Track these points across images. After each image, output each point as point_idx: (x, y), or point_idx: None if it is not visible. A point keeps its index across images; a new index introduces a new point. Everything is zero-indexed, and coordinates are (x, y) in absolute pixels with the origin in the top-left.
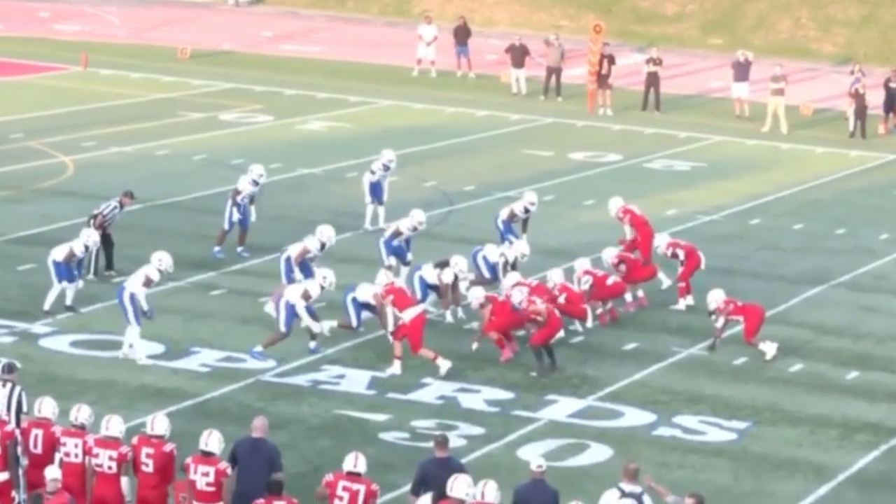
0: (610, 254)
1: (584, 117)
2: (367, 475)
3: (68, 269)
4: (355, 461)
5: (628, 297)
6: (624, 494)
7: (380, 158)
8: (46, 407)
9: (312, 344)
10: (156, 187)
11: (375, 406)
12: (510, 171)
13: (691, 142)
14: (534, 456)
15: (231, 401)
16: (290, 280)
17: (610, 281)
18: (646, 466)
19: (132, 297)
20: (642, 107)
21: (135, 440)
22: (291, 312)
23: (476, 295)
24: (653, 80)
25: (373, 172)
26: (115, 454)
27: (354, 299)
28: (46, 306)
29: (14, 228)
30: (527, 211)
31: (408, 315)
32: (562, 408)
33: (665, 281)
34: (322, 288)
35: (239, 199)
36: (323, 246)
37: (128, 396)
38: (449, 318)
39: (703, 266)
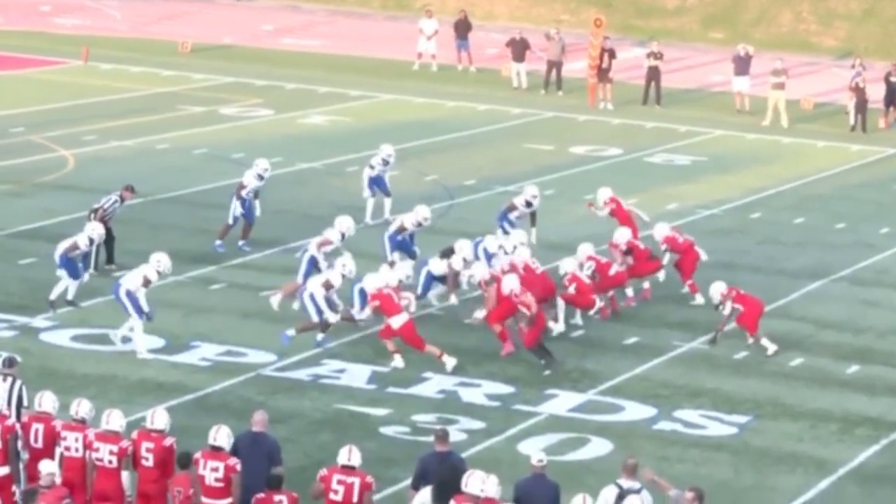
0: (623, 237)
1: (584, 111)
2: (369, 469)
3: (72, 265)
4: (349, 454)
5: (629, 291)
6: (622, 491)
7: (378, 153)
8: (47, 401)
9: (320, 336)
10: (156, 181)
11: (376, 400)
12: (511, 166)
13: (692, 136)
14: (534, 450)
15: (231, 395)
16: (308, 277)
17: (612, 270)
18: (646, 461)
19: (128, 294)
20: (643, 101)
21: (135, 434)
22: (314, 303)
23: (481, 272)
24: (653, 75)
25: (372, 167)
26: (115, 448)
27: (362, 290)
28: (52, 296)
29: (15, 222)
30: (529, 205)
31: (396, 322)
32: (562, 402)
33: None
34: (343, 276)
35: (244, 193)
36: (343, 236)
37: (128, 391)
38: (454, 299)
39: (704, 258)
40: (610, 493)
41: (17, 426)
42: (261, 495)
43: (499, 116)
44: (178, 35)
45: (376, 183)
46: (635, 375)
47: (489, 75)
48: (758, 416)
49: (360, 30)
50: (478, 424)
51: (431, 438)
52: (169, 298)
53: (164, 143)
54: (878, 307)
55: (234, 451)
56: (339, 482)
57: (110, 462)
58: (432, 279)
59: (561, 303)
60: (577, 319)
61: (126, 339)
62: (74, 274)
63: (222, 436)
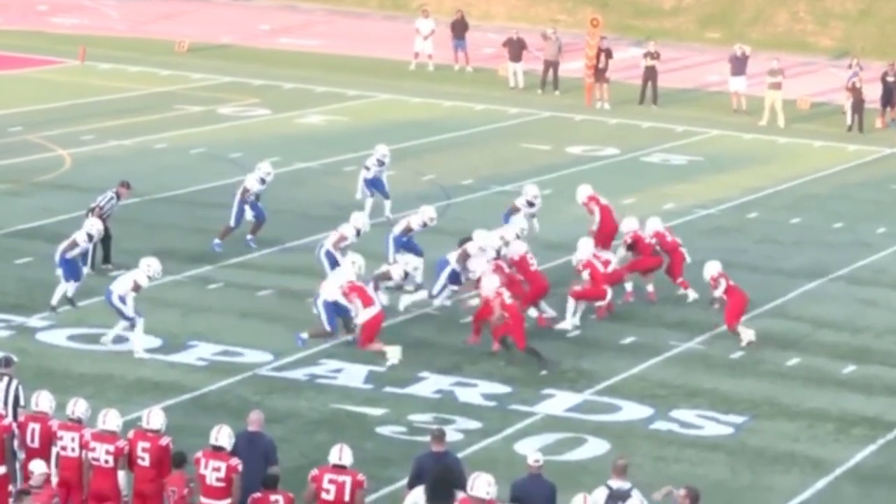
0: (630, 226)
1: (581, 111)
2: (365, 469)
3: (71, 266)
4: (340, 453)
5: (629, 286)
6: (612, 492)
7: (374, 154)
8: (43, 401)
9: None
10: (154, 181)
11: (373, 400)
12: (508, 165)
13: (688, 136)
14: (531, 450)
15: (228, 394)
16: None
17: (609, 268)
18: (643, 461)
19: (121, 299)
20: (640, 101)
21: (131, 434)
22: (330, 309)
23: (481, 267)
24: (650, 74)
25: (367, 168)
26: (111, 448)
27: (326, 303)
28: (53, 301)
29: (12, 222)
30: (531, 205)
31: (365, 314)
32: (559, 402)
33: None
34: (357, 275)
35: (248, 196)
36: (358, 232)
37: (125, 390)
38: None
39: (688, 260)
40: (600, 494)
41: (14, 426)
42: (257, 495)
43: (496, 116)
44: (176, 34)
45: (374, 184)
46: (632, 375)
47: (486, 75)
48: (754, 416)
49: (357, 29)
50: (474, 424)
51: (428, 438)
52: (166, 298)
53: (161, 142)
54: (875, 307)
55: (231, 451)
56: (331, 481)
57: (107, 462)
58: (457, 276)
59: (571, 301)
60: (576, 320)
61: (119, 339)
62: (75, 275)
63: (224, 436)
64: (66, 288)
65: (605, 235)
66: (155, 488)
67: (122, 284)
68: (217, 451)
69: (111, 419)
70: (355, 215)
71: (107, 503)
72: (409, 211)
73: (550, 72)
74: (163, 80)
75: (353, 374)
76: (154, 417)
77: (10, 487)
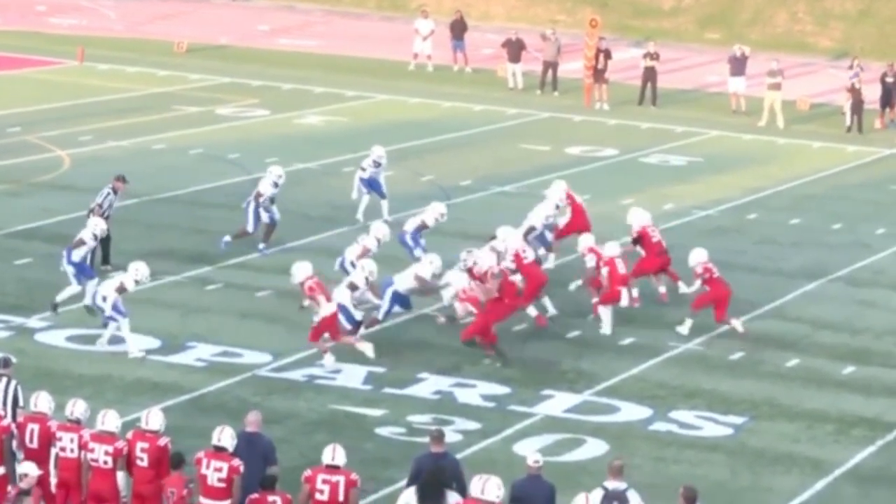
0: (639, 220)
1: (580, 112)
2: (365, 470)
3: (82, 267)
4: (333, 453)
5: (635, 292)
6: (608, 493)
7: (370, 155)
8: (42, 402)
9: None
10: (152, 181)
11: (372, 401)
12: (507, 166)
13: (688, 136)
14: (530, 451)
15: (227, 395)
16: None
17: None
18: (642, 462)
19: (103, 298)
20: (639, 101)
21: (129, 435)
22: (346, 311)
23: (487, 262)
24: (649, 75)
25: (363, 169)
26: (110, 449)
27: (395, 291)
28: (58, 298)
29: (11, 222)
30: (557, 207)
31: (324, 310)
32: (558, 403)
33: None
34: (367, 280)
35: (261, 200)
36: (379, 242)
37: (123, 391)
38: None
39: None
40: (596, 495)
41: (13, 426)
42: (255, 496)
43: (495, 117)
44: (174, 35)
45: (370, 185)
46: (631, 376)
47: (485, 76)
48: (754, 417)
49: (355, 30)
50: (473, 425)
51: (427, 439)
52: (165, 298)
53: (160, 143)
54: (874, 308)
55: (232, 452)
56: (324, 481)
57: (105, 462)
58: (399, 297)
59: (601, 310)
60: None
61: (115, 340)
62: (88, 275)
63: (226, 437)
64: (77, 290)
65: (579, 228)
66: (153, 489)
67: (108, 286)
68: (219, 451)
69: (110, 420)
70: (376, 225)
71: None
72: (409, 211)
73: (549, 72)
74: (161, 81)
75: (352, 375)
76: (153, 418)
77: (9, 488)
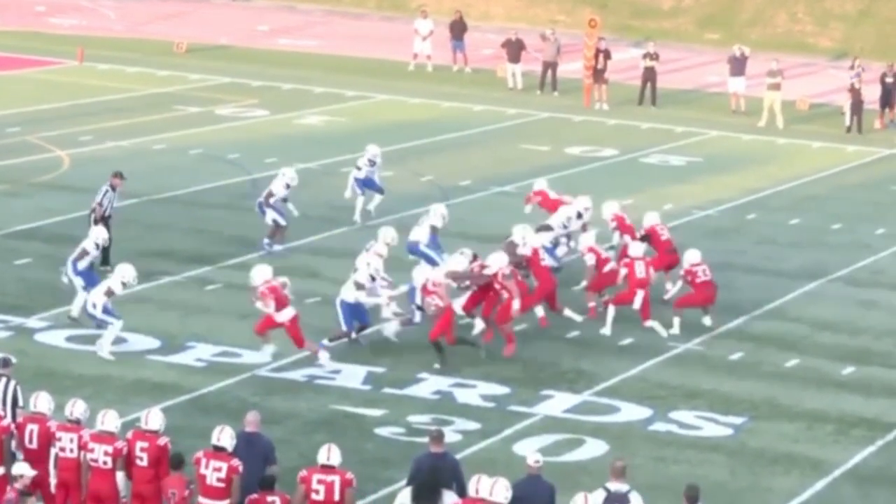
0: (651, 220)
1: (580, 112)
2: (364, 470)
3: (88, 275)
4: (328, 453)
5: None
6: (610, 494)
7: (365, 154)
8: (42, 402)
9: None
10: (152, 181)
11: (371, 401)
12: (507, 166)
13: (687, 136)
14: (530, 451)
15: (227, 395)
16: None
17: (607, 267)
18: (642, 462)
19: (93, 305)
20: (638, 101)
21: (129, 434)
22: (347, 310)
23: (499, 263)
24: (649, 75)
25: (359, 168)
26: (110, 449)
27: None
28: (74, 314)
29: (11, 223)
30: (579, 216)
31: (283, 316)
32: (558, 403)
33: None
34: (372, 277)
35: (272, 200)
36: (388, 247)
37: (123, 391)
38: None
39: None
40: (598, 496)
41: (13, 427)
42: (254, 496)
43: (494, 117)
44: (174, 35)
45: (366, 184)
46: (631, 376)
47: (485, 76)
48: (754, 417)
49: (355, 30)
50: (473, 425)
51: (427, 439)
52: (165, 299)
53: (160, 143)
54: (874, 308)
55: (231, 452)
56: (320, 482)
57: (105, 463)
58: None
59: (611, 309)
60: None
61: (117, 340)
62: (95, 283)
63: (226, 436)
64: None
65: (616, 217)
66: (153, 489)
67: (96, 292)
68: (218, 451)
69: (110, 420)
70: (383, 231)
71: None
72: (408, 212)
73: (549, 72)
74: (161, 81)
75: (352, 375)
76: (153, 418)
77: (9, 489)
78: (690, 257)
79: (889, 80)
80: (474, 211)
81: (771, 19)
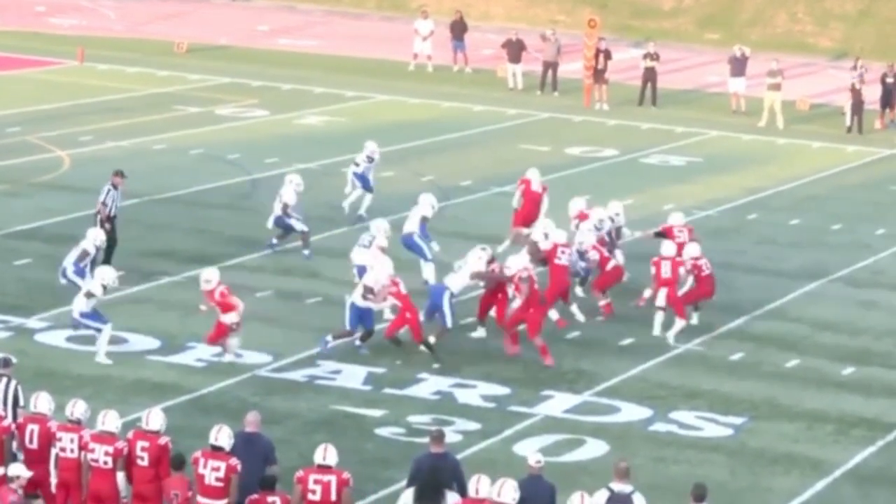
0: (678, 220)
1: (580, 112)
2: (364, 470)
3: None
4: (325, 453)
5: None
6: (613, 494)
7: (363, 150)
8: (42, 402)
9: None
10: (152, 182)
11: (371, 401)
12: (507, 166)
13: (688, 136)
14: (531, 451)
15: (227, 395)
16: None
17: (610, 265)
18: (642, 462)
19: (83, 315)
20: (639, 102)
21: (130, 434)
22: (354, 311)
23: (518, 265)
24: (650, 75)
25: (357, 164)
26: (110, 449)
27: (452, 295)
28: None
29: (11, 223)
30: (611, 221)
31: (229, 318)
32: (558, 403)
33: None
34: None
35: (290, 211)
36: (388, 238)
37: (123, 391)
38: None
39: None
40: (601, 496)
41: (13, 427)
42: (255, 496)
43: (495, 117)
44: (174, 35)
45: (360, 179)
46: (631, 376)
47: (485, 76)
48: (754, 417)
49: (355, 30)
50: (473, 426)
51: (427, 440)
52: (165, 299)
53: (160, 143)
54: (874, 308)
55: (229, 452)
56: (316, 482)
57: (105, 463)
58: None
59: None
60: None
61: (115, 340)
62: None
63: (224, 436)
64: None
65: (525, 218)
66: (154, 489)
67: (78, 299)
68: (216, 450)
69: (110, 420)
70: (376, 223)
71: None
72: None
73: (549, 73)
74: (161, 81)
75: (352, 376)
76: (153, 418)
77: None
78: (691, 251)
79: (889, 80)
80: (475, 211)
81: (771, 19)
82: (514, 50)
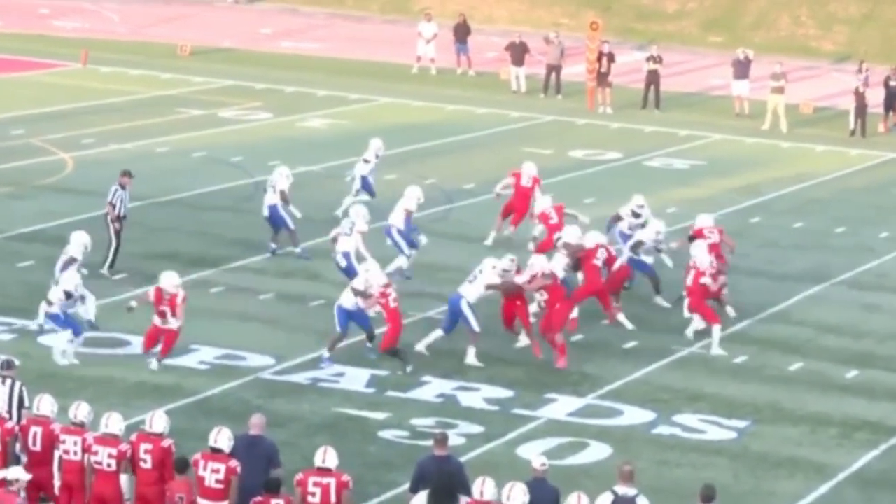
0: (707, 221)
1: (583, 115)
2: (367, 473)
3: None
4: (324, 456)
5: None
6: (617, 497)
7: (370, 148)
8: (45, 404)
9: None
10: (155, 184)
11: (375, 404)
12: (510, 169)
13: (691, 140)
14: (535, 454)
15: (231, 398)
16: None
17: (616, 265)
18: (645, 465)
19: (56, 317)
20: (642, 105)
21: (133, 437)
22: (342, 314)
23: (541, 265)
24: (653, 78)
25: (367, 161)
26: (114, 452)
27: (469, 303)
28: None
29: (14, 225)
30: (637, 215)
31: (174, 325)
32: (561, 406)
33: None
34: (367, 282)
35: (287, 198)
36: (367, 222)
37: (126, 394)
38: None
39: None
40: (605, 499)
41: (17, 429)
42: (259, 499)
43: (498, 120)
44: (178, 38)
45: (364, 183)
46: (635, 379)
47: (488, 79)
48: (757, 421)
49: (358, 33)
50: (477, 428)
51: (430, 442)
52: None
53: (163, 145)
54: (878, 311)
55: (232, 454)
56: (316, 484)
57: (109, 465)
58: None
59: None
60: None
61: (123, 343)
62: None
63: (223, 438)
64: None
65: (510, 210)
66: (157, 491)
67: (41, 309)
68: (216, 452)
69: (114, 423)
70: (354, 209)
71: None
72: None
73: (553, 76)
74: (164, 84)
75: (356, 378)
76: (157, 421)
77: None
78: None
79: (893, 83)
80: (478, 214)
81: (774, 22)
82: (518, 53)
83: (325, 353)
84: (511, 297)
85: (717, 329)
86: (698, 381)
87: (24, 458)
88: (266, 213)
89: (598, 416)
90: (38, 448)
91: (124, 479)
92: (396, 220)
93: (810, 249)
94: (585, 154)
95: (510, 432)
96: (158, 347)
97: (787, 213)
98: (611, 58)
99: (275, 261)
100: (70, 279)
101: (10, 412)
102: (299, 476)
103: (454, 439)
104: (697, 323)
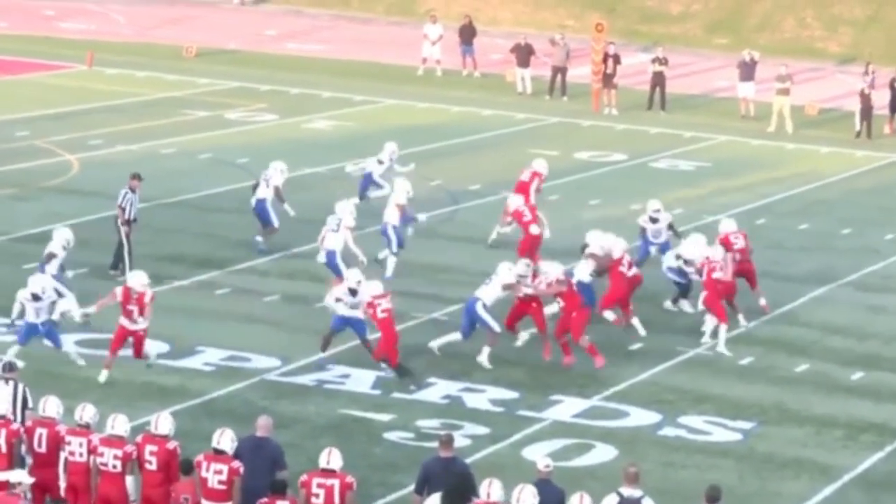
0: (731, 226)
1: (589, 117)
2: (373, 475)
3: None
4: (328, 457)
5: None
6: (623, 499)
7: (385, 151)
8: (51, 406)
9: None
10: (161, 186)
11: (380, 405)
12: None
13: (696, 141)
14: (540, 456)
15: (236, 399)
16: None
17: (632, 271)
18: (651, 466)
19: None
20: (647, 106)
21: (138, 438)
22: (338, 319)
23: (555, 272)
24: (658, 80)
25: (381, 163)
26: (119, 453)
27: (484, 305)
28: (77, 318)
29: (19, 227)
30: (654, 220)
31: (143, 324)
32: (567, 408)
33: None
34: (350, 289)
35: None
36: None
37: (131, 395)
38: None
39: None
40: (611, 501)
41: (22, 430)
42: (264, 500)
43: (503, 122)
44: (183, 40)
45: (369, 179)
46: (640, 381)
47: (494, 80)
48: (762, 422)
49: (364, 34)
50: (482, 430)
51: (436, 444)
52: (173, 303)
53: (169, 147)
54: (883, 313)
55: (237, 456)
56: (319, 485)
57: (114, 467)
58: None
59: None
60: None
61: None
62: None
63: (226, 439)
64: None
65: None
66: (162, 493)
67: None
68: (218, 454)
69: (119, 424)
70: (340, 205)
71: None
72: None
73: (558, 77)
74: (170, 85)
75: (361, 380)
76: (162, 422)
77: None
78: (707, 251)
79: None
80: (484, 215)
81: (779, 24)
82: (523, 54)
83: (323, 355)
84: (526, 300)
85: (723, 329)
86: (704, 382)
87: (29, 460)
88: (253, 204)
89: (603, 417)
90: (43, 450)
91: (130, 480)
92: (391, 217)
93: (816, 251)
94: (591, 155)
95: (516, 434)
96: (128, 351)
97: (792, 214)
98: (616, 59)
99: (280, 262)
100: (38, 281)
101: (14, 414)
102: (304, 478)
103: (460, 441)
104: (710, 322)
